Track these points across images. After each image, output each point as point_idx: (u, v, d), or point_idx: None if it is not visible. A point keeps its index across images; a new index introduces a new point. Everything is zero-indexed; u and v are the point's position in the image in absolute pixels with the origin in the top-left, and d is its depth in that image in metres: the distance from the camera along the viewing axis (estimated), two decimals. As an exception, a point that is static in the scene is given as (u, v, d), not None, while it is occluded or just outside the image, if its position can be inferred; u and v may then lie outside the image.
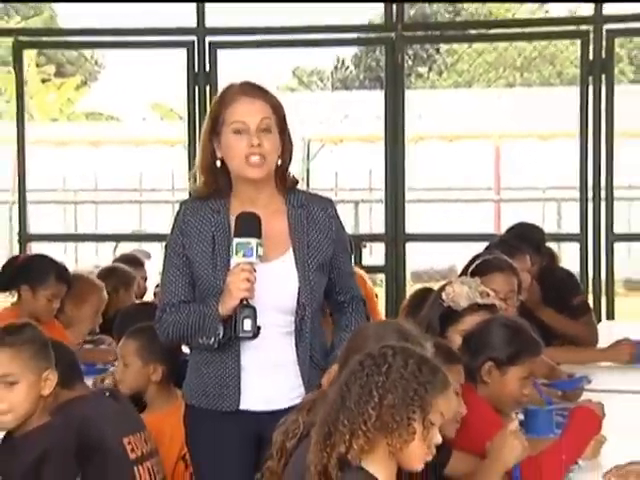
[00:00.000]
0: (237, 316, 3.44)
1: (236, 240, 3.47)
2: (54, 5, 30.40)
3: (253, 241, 3.44)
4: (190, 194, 3.79)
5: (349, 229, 9.05)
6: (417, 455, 2.71)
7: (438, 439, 2.73)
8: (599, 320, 7.76)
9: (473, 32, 13.13)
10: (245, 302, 3.43)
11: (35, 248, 8.83)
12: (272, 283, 3.52)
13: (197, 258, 3.57)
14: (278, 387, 3.54)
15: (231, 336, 3.47)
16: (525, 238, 5.98)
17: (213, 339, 3.49)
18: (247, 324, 3.44)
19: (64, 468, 3.48)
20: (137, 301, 6.47)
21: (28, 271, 5.65)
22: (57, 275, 5.60)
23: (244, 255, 3.44)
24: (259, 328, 3.45)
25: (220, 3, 8.90)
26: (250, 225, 3.47)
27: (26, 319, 4.62)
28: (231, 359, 3.54)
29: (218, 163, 3.58)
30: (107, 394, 4.01)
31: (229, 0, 9.12)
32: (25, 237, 8.98)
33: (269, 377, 3.54)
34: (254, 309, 3.44)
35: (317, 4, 9.85)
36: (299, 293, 3.56)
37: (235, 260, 3.45)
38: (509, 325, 3.92)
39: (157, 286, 6.37)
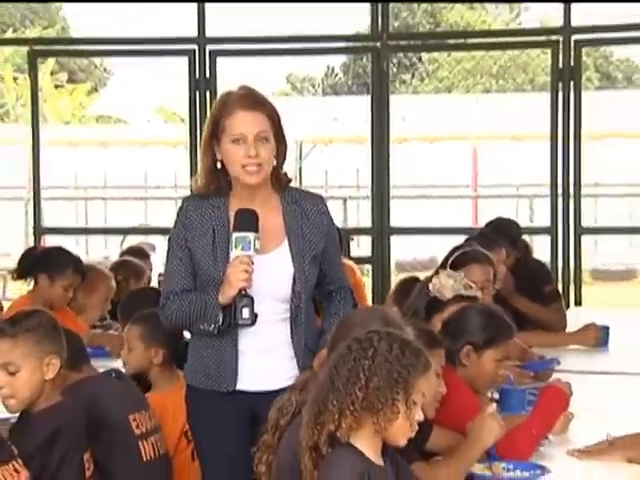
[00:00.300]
0: (236, 305, 3.44)
1: (235, 234, 3.46)
2: (66, 16, 30.41)
3: (251, 235, 3.44)
4: (192, 191, 3.78)
5: (338, 223, 9.03)
6: (401, 432, 2.71)
7: (420, 417, 2.73)
8: (568, 307, 7.77)
9: (452, 42, 13.12)
10: (243, 292, 3.43)
11: (49, 240, 8.83)
12: (269, 273, 3.52)
13: (198, 250, 3.56)
14: (273, 369, 3.54)
15: (230, 323, 3.47)
16: (502, 232, 5.99)
17: (213, 326, 3.49)
18: (245, 312, 3.44)
19: (74, 444, 3.48)
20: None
21: (47, 261, 5.67)
22: (74, 267, 5.63)
23: (243, 248, 3.44)
24: (256, 316, 3.45)
25: (219, 15, 8.87)
26: (248, 220, 3.47)
27: (37, 306, 4.66)
28: (229, 344, 3.54)
29: (218, 165, 3.57)
30: (113, 375, 4.02)
31: (226, 1, 9.05)
32: (39, 230, 8.98)
33: (265, 360, 3.54)
34: (252, 298, 3.44)
35: (309, 16, 9.83)
36: (294, 282, 3.56)
37: (234, 253, 3.45)
38: (485, 312, 3.93)
39: (160, 275, 6.37)
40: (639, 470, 3.29)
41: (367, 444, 2.71)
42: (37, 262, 5.69)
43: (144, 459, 3.85)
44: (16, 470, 3.13)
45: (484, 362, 3.80)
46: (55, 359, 3.46)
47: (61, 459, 3.39)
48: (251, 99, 3.53)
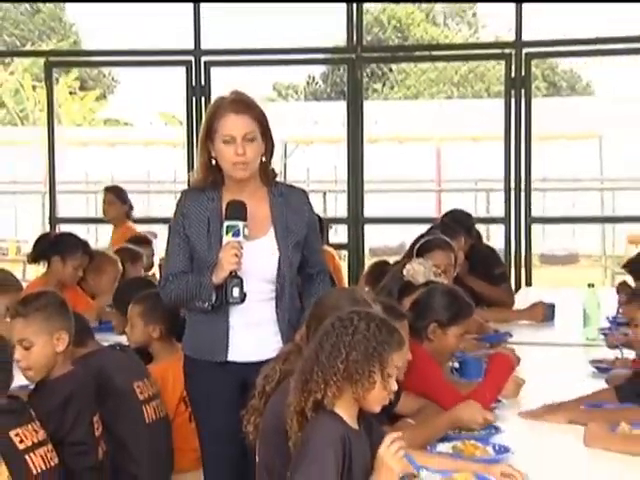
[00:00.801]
0: (227, 285, 3.44)
1: (226, 222, 3.47)
2: (78, 31, 30.24)
3: (240, 223, 3.45)
4: (189, 185, 3.77)
5: (318, 213, 9.05)
6: (377, 400, 2.72)
7: (394, 388, 2.74)
8: (519, 287, 7.82)
9: (418, 54, 13.15)
10: (234, 273, 3.43)
11: (63, 229, 8.79)
12: (257, 257, 3.51)
13: (195, 237, 3.56)
14: (260, 342, 3.52)
15: (222, 301, 3.47)
16: (458, 221, 6.00)
17: (207, 303, 3.48)
18: (236, 292, 3.44)
19: (85, 407, 3.48)
20: (143, 274, 6.47)
21: (59, 245, 5.68)
22: (83, 249, 5.65)
23: (233, 235, 3.44)
24: (245, 295, 3.45)
25: (213, 30, 8.84)
26: (238, 210, 3.47)
27: (47, 287, 4.66)
28: (221, 320, 3.53)
29: (213, 162, 3.57)
30: (117, 348, 4.03)
31: (221, 0, 9.02)
32: (55, 220, 8.98)
33: (253, 334, 3.53)
34: (241, 279, 3.44)
35: (293, 31, 9.79)
36: (279, 265, 3.55)
37: (226, 239, 3.45)
38: (449, 292, 3.95)
39: (162, 259, 6.36)
40: (579, 430, 3.30)
41: (346, 411, 2.72)
42: (50, 246, 5.70)
43: (147, 421, 3.85)
44: (35, 430, 3.13)
45: (448, 337, 3.81)
46: (64, 334, 3.46)
47: (74, 420, 3.39)
48: (240, 104, 3.51)
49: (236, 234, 3.44)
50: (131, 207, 7.94)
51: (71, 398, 3.40)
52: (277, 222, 3.59)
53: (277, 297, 3.56)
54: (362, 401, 2.71)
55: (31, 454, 3.07)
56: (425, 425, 3.27)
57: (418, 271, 4.29)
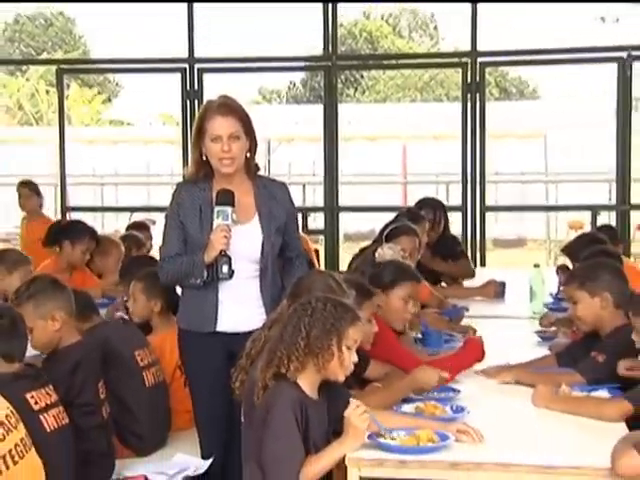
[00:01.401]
0: (217, 263, 3.45)
1: (217, 208, 3.48)
2: (87, 42, 30.00)
3: (229, 209, 3.46)
4: (184, 178, 3.78)
5: (298, 203, 9.05)
6: (338, 370, 2.74)
7: (354, 358, 2.76)
8: (475, 267, 7.83)
9: (386, 62, 13.13)
10: (223, 252, 3.45)
11: (73, 217, 8.74)
12: (244, 240, 3.51)
13: (189, 223, 3.55)
14: (246, 315, 3.51)
15: (213, 277, 3.47)
16: (434, 207, 6.07)
17: (199, 279, 3.48)
18: (225, 268, 3.46)
19: (92, 373, 3.46)
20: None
21: (70, 230, 5.66)
22: (90, 234, 5.63)
23: (223, 219, 3.46)
24: (233, 271, 3.46)
25: (206, 40, 8.79)
26: (227, 197, 3.49)
27: (55, 270, 4.64)
28: (211, 295, 3.52)
29: (204, 157, 3.56)
30: (121, 321, 4.01)
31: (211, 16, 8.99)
32: (65, 209, 8.95)
33: (240, 308, 3.52)
34: (230, 257, 3.46)
35: (276, 42, 9.75)
36: (263, 247, 3.55)
37: (216, 222, 3.46)
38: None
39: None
40: (527, 392, 3.32)
41: (307, 382, 2.75)
42: (61, 231, 5.67)
43: (147, 385, 3.84)
44: (48, 393, 3.12)
45: (391, 300, 3.84)
46: (58, 312, 3.42)
47: (81, 384, 3.38)
48: (226, 107, 3.52)
49: (225, 218, 3.46)
50: (42, 200, 7.65)
51: (79, 365, 3.39)
52: (261, 210, 3.58)
53: (261, 275, 3.55)
54: (325, 371, 2.73)
55: (45, 414, 3.06)
56: (390, 389, 3.28)
57: (388, 254, 4.30)
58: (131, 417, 3.75)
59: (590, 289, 3.58)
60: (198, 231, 3.53)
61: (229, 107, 3.52)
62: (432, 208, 6.10)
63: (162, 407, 3.93)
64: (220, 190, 3.51)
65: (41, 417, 3.04)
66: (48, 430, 3.05)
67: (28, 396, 3.03)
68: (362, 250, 5.38)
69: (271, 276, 3.57)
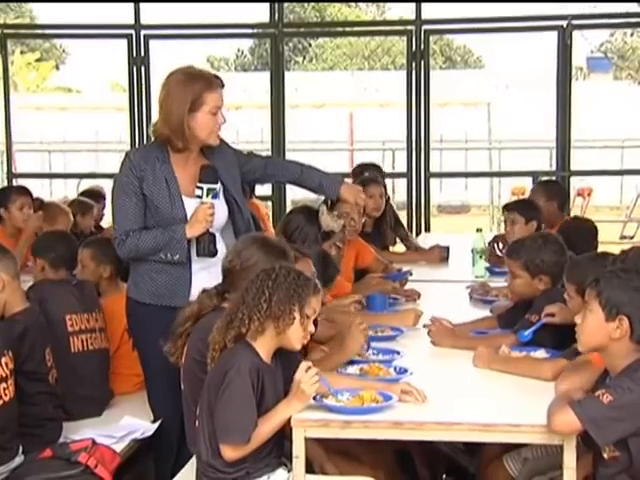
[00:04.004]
0: (203, 241, 3.42)
1: (205, 185, 3.42)
2: (32, 8, 29.35)
3: (217, 186, 3.45)
4: (132, 146, 3.68)
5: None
6: (296, 337, 2.74)
7: (312, 329, 2.76)
8: (419, 233, 7.88)
9: (333, 30, 13.05)
10: (208, 231, 3.42)
11: (20, 183, 8.57)
12: (216, 214, 3.47)
13: (155, 196, 3.45)
14: (217, 279, 3.45)
15: (198, 252, 3.43)
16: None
17: (178, 255, 3.41)
18: (211, 247, 3.43)
19: (38, 339, 3.39)
20: (93, 225, 6.33)
21: (1, 197, 5.52)
22: (16, 190, 5.52)
23: (212, 197, 3.42)
24: (217, 250, 3.43)
25: (152, 5, 8.63)
26: (214, 175, 3.46)
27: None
28: (184, 269, 3.46)
29: (186, 130, 3.44)
30: (74, 283, 3.93)
31: (158, 0, 8.80)
32: (11, 175, 8.78)
33: (212, 278, 3.43)
34: (214, 236, 3.44)
35: (223, 8, 9.61)
36: (234, 219, 3.55)
37: (205, 200, 3.41)
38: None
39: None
40: (468, 354, 3.35)
41: (263, 347, 2.73)
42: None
43: (72, 351, 3.74)
44: (6, 363, 3.07)
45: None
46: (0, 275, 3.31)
47: (28, 353, 3.31)
48: (220, 80, 3.51)
49: (215, 196, 3.42)
50: None
51: (25, 332, 3.32)
52: (225, 180, 3.54)
53: None
54: (283, 336, 2.71)
55: None
56: (332, 354, 3.27)
57: (327, 221, 4.27)
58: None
59: (532, 271, 3.58)
60: (168, 205, 3.44)
61: (222, 81, 3.52)
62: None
63: (94, 375, 3.81)
64: (204, 166, 3.46)
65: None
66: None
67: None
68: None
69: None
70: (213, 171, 3.45)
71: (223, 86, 3.50)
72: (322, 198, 4.25)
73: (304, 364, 2.70)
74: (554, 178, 7.80)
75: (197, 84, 3.45)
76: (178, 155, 3.49)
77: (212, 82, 3.47)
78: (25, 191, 5.53)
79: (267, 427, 2.67)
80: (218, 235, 3.51)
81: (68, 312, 3.76)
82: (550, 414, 2.63)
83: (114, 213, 3.52)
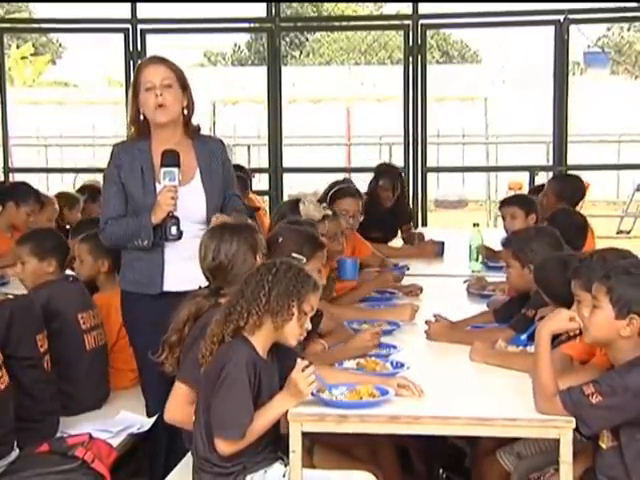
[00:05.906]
0: (166, 224, 3.43)
1: (163, 169, 3.44)
2: (29, 4, 29.31)
3: (175, 170, 3.44)
4: (127, 139, 3.72)
5: (243, 164, 8.99)
6: (293, 333, 2.73)
7: (309, 326, 2.75)
8: (416, 227, 7.88)
9: (330, 25, 13.04)
10: (171, 214, 3.43)
11: (17, 177, 8.58)
12: (188, 200, 3.49)
13: (130, 184, 3.52)
14: (192, 274, 3.48)
15: (162, 237, 3.45)
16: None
17: (147, 241, 3.45)
18: (173, 230, 3.45)
19: (28, 326, 3.38)
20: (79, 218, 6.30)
21: (15, 192, 5.52)
22: (35, 197, 5.51)
23: (170, 180, 3.43)
24: (182, 233, 3.44)
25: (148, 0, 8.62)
26: (172, 158, 3.46)
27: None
28: (157, 256, 3.50)
29: (142, 116, 3.54)
30: (70, 279, 3.93)
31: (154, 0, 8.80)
32: (8, 169, 8.77)
33: (185, 267, 3.47)
34: (178, 219, 3.45)
35: (221, 3, 9.57)
36: (207, 207, 3.54)
37: (163, 183, 3.43)
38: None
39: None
40: (465, 348, 3.35)
41: (260, 342, 2.72)
42: (7, 192, 5.53)
43: (87, 348, 3.77)
44: None
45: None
46: None
47: (18, 338, 3.29)
48: (156, 58, 3.58)
49: (172, 179, 3.43)
50: None
51: (12, 318, 3.30)
52: (202, 169, 3.57)
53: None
54: (280, 332, 2.70)
55: None
56: (334, 353, 3.28)
57: (309, 210, 4.24)
58: (66, 378, 3.63)
59: (522, 260, 3.60)
60: (141, 193, 3.50)
61: (160, 58, 3.57)
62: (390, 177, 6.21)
63: (99, 371, 3.85)
64: (165, 151, 3.47)
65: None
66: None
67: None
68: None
69: None
70: (172, 155, 3.46)
71: (163, 63, 3.53)
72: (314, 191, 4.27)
73: (301, 363, 2.68)
74: (551, 173, 7.79)
75: (136, 69, 3.58)
76: (159, 145, 3.52)
77: (141, 63, 3.57)
78: (40, 202, 5.54)
79: (261, 423, 2.67)
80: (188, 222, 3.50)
81: (79, 311, 3.78)
82: (537, 400, 2.66)
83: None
